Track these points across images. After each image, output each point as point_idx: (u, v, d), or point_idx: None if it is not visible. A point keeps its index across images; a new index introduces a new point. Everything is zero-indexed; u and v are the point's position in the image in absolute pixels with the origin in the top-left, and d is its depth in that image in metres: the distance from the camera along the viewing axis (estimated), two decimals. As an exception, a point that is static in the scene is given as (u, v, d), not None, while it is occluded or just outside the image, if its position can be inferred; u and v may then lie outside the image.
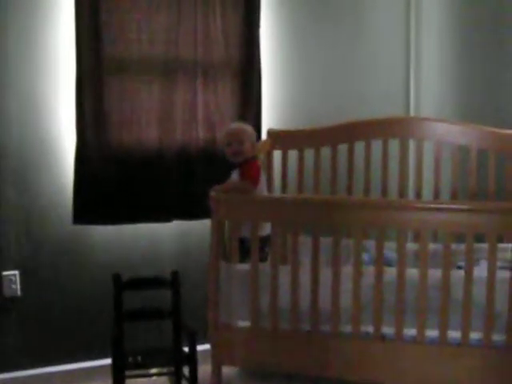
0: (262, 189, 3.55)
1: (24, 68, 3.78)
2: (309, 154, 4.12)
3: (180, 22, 3.99)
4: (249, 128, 3.72)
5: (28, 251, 3.87)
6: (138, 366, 3.66)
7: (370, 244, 3.56)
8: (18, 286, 3.85)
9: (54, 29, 3.82)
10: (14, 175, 3.80)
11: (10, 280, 3.83)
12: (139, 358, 3.65)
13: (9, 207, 3.80)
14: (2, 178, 3.78)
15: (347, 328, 3.15)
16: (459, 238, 3.16)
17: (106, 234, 3.99)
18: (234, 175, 3.54)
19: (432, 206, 3.12)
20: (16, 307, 3.87)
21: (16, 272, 3.84)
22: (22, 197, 3.82)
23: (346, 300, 3.11)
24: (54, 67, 3.83)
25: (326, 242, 3.31)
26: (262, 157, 3.94)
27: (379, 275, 3.06)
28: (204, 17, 4.04)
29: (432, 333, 3.04)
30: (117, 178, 3.93)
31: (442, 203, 3.43)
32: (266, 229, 3.31)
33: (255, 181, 3.46)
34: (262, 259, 3.31)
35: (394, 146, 4.05)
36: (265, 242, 3.34)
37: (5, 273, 3.82)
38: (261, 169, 3.60)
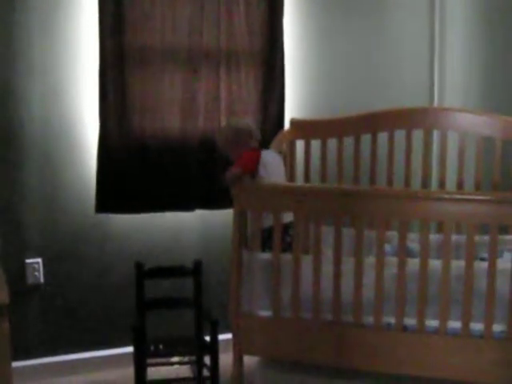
0: (271, 174, 3.47)
1: (47, 57, 3.80)
2: (331, 143, 4.09)
3: (203, 10, 3.99)
4: (228, 128, 3.65)
5: (51, 239, 3.89)
6: (159, 354, 3.68)
7: (393, 235, 3.55)
8: (41, 274, 3.88)
9: (78, 17, 3.83)
10: (36, 164, 3.83)
11: (33, 268, 3.86)
12: (161, 347, 3.67)
13: (32, 195, 3.83)
14: (25, 167, 3.80)
15: (369, 319, 3.13)
16: (483, 230, 3.14)
17: (129, 223, 4.01)
18: None
19: (455, 196, 3.10)
20: (39, 295, 3.90)
21: (39, 260, 3.87)
22: (44, 185, 3.85)
23: (368, 291, 3.10)
24: (77, 56, 3.85)
25: (348, 232, 3.30)
26: (284, 146, 3.93)
27: (401, 266, 3.05)
28: (227, 5, 4.03)
29: (454, 324, 3.02)
30: (139, 167, 3.94)
31: (465, 194, 3.41)
32: (288, 216, 3.29)
33: (244, 165, 3.35)
34: (284, 249, 3.29)
35: (417, 136, 4.02)
36: (286, 230, 3.33)
37: (28, 261, 3.85)
38: (257, 155, 3.46)
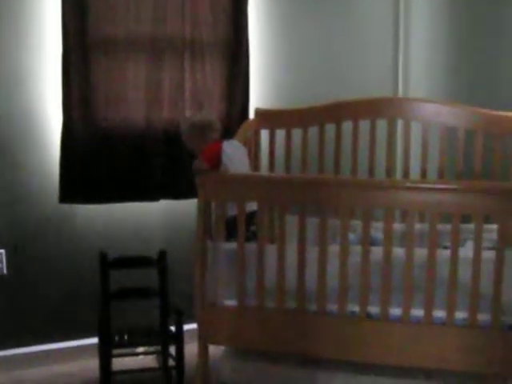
0: (234, 164, 3.46)
1: (9, 45, 3.76)
2: (296, 133, 4.10)
3: (167, -1, 3.97)
4: (188, 125, 3.60)
5: (14, 230, 3.86)
6: (124, 344, 3.67)
7: (357, 224, 3.56)
8: (5, 265, 3.85)
9: (40, 5, 3.79)
10: (-1, 153, 3.79)
11: (-4, 259, 3.83)
12: (126, 337, 3.66)
13: (-6, 185, 3.79)
14: (-14, 157, 3.77)
15: (333, 307, 3.14)
16: (446, 219, 3.17)
17: (93, 213, 3.98)
18: None
19: (419, 185, 3.12)
20: (2, 286, 3.87)
21: (2, 251, 3.84)
22: (7, 175, 3.81)
23: (332, 279, 3.11)
24: (39, 44, 3.82)
25: (312, 221, 3.30)
26: (249, 135, 3.92)
27: (365, 255, 3.06)
28: (191, -6, 4.02)
29: (417, 312, 3.04)
30: (103, 157, 3.92)
31: (429, 183, 3.43)
32: (252, 205, 3.29)
33: (207, 160, 3.34)
34: (248, 238, 3.29)
35: (381, 126, 4.04)
36: (251, 219, 3.33)
37: (-10, 252, 3.83)
38: (218, 148, 3.44)
